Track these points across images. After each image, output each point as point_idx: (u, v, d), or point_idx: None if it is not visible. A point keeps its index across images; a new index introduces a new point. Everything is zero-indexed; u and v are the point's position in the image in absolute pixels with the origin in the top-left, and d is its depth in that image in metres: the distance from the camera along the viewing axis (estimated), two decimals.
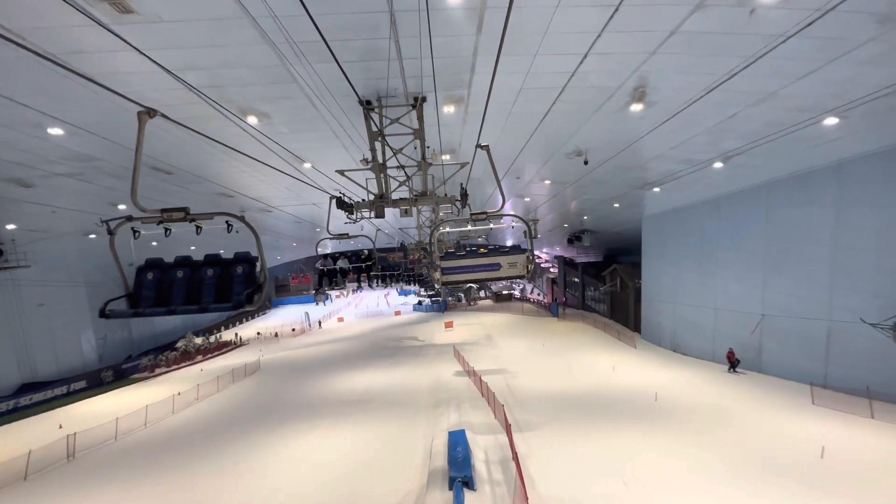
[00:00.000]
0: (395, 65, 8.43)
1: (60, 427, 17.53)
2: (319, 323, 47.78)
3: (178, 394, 20.73)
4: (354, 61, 8.07)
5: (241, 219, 4.50)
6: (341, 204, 9.95)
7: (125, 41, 6.51)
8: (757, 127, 11.83)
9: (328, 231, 10.77)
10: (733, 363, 18.11)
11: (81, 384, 24.10)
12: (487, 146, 8.50)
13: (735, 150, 13.73)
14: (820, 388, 14.22)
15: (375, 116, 9.80)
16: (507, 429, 11.29)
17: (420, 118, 9.86)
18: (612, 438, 11.70)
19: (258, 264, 4.78)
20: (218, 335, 41.13)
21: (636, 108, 10.85)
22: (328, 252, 12.78)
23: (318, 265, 11.71)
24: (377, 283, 23.46)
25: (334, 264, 11.83)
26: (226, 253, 5.32)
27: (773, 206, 16.32)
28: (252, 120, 10.60)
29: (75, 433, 14.54)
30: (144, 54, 6.68)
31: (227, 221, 4.60)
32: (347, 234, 10.70)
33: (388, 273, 21.80)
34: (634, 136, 13.26)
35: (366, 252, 12.44)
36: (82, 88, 8.32)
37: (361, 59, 8.11)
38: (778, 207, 16.14)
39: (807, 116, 10.89)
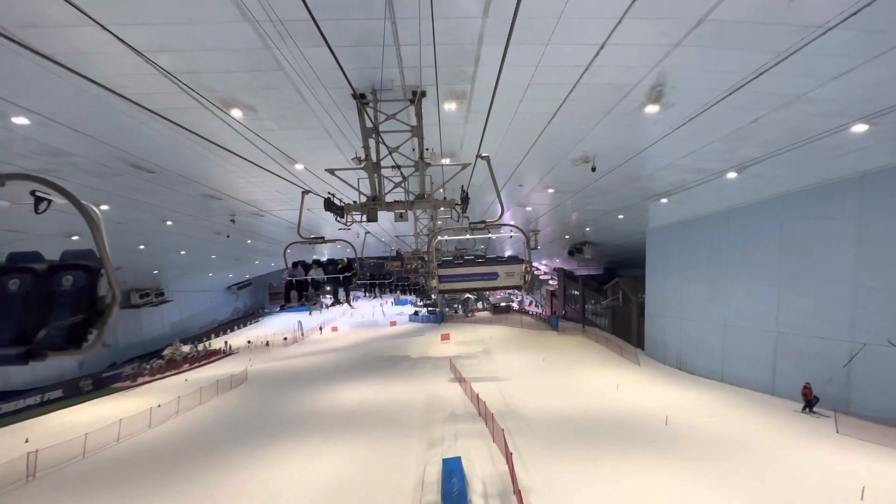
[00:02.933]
0: (392, 52, 7.63)
1: (27, 441, 16.37)
2: (320, 328, 47.21)
3: (159, 405, 19.61)
4: (347, 46, 7.26)
5: (56, 186, 2.41)
6: (330, 206, 9.05)
7: (84, 13, 5.68)
8: (779, 134, 11.07)
9: (299, 234, 8.86)
10: (809, 401, 14.40)
11: (57, 393, 22.90)
12: (488, 157, 8.25)
13: (752, 159, 12.97)
14: (842, 414, 13.28)
15: (370, 111, 9.00)
16: (508, 458, 10.27)
17: (419, 114, 9.04)
18: (621, 467, 10.69)
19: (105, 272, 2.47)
20: (207, 343, 39.90)
21: (651, 110, 10.07)
22: (300, 260, 11.05)
23: (284, 276, 10.17)
24: (366, 293, 22.10)
25: (305, 274, 10.30)
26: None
27: (788, 219, 15.53)
28: (236, 113, 9.75)
29: (37, 450, 13.40)
30: (107, 30, 5.85)
31: (33, 192, 2.51)
32: (323, 237, 9.14)
33: (377, 282, 20.20)
34: (646, 143, 12.49)
35: (345, 260, 10.80)
36: (42, 70, 7.44)
37: (354, 44, 7.31)
38: (793, 220, 15.36)
39: (835, 123, 10.13)
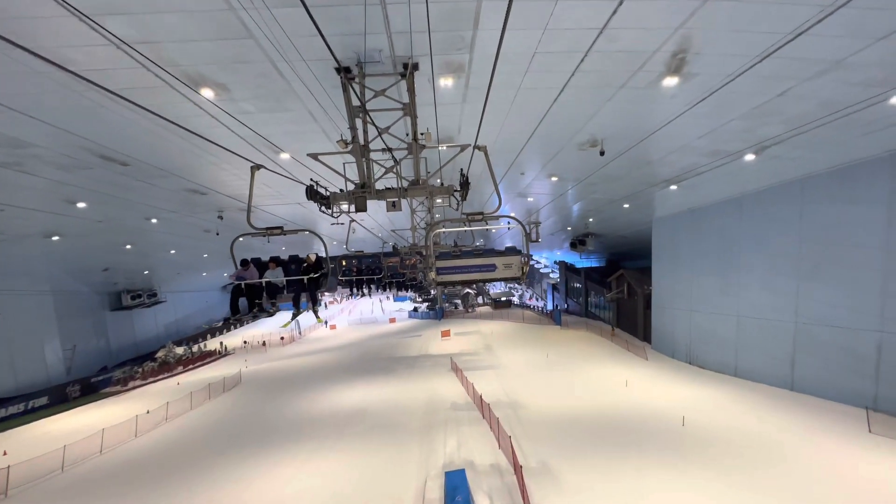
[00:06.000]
0: (378, 12, 6.61)
1: (5, 454, 15.46)
2: (326, 322, 46.82)
3: (147, 412, 18.72)
4: (323, 6, 6.25)
5: None
6: (313, 195, 8.06)
7: None
8: (808, 109, 10.08)
9: (249, 223, 6.95)
10: None
11: (42, 401, 21.93)
12: (485, 147, 7.79)
13: (774, 138, 11.98)
14: (871, 411, 12.41)
15: (357, 87, 7.98)
16: (517, 470, 9.36)
17: (411, 90, 8.03)
18: (642, 478, 9.80)
19: None
20: (202, 344, 38.93)
21: (670, 82, 9.08)
22: (255, 257, 8.23)
23: (229, 277, 8.19)
24: (353, 292, 20.25)
25: (260, 276, 7.67)
26: None
27: (809, 203, 14.57)
28: (207, 93, 8.73)
29: (9, 466, 12.48)
30: None
31: None
32: (281, 228, 6.86)
33: (364, 278, 18.53)
34: (660, 122, 11.49)
35: (313, 257, 8.14)
36: None
37: (334, 2, 6.29)
38: (815, 205, 14.40)
39: (873, 93, 9.14)
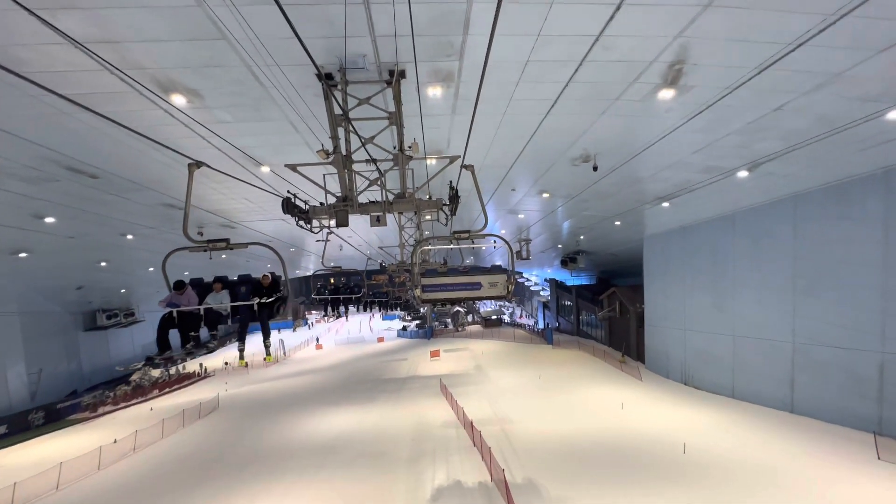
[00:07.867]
0: (361, 14, 6.16)
1: None
2: (318, 339, 47.54)
3: (115, 441, 17.47)
4: (301, 4, 5.78)
5: None
6: (290, 208, 7.46)
7: None
8: (804, 124, 9.87)
9: (186, 234, 5.57)
10: None
11: (1, 430, 20.41)
12: (472, 166, 7.59)
13: (768, 155, 11.78)
14: (878, 435, 11.94)
15: (339, 95, 7.49)
16: None
17: (397, 98, 7.57)
18: None
19: None
20: (181, 366, 37.26)
21: (666, 95, 8.79)
22: (197, 278, 6.68)
23: (160, 304, 5.84)
24: (328, 312, 18.60)
25: (200, 301, 6.11)
26: None
27: (803, 220, 14.38)
28: (178, 100, 8.16)
29: None
30: None
31: None
32: (227, 241, 5.41)
33: (341, 297, 17.40)
34: (654, 137, 11.21)
35: (269, 277, 6.57)
36: None
37: (312, 1, 5.83)
38: (809, 222, 14.20)
39: (870, 109, 8.96)
